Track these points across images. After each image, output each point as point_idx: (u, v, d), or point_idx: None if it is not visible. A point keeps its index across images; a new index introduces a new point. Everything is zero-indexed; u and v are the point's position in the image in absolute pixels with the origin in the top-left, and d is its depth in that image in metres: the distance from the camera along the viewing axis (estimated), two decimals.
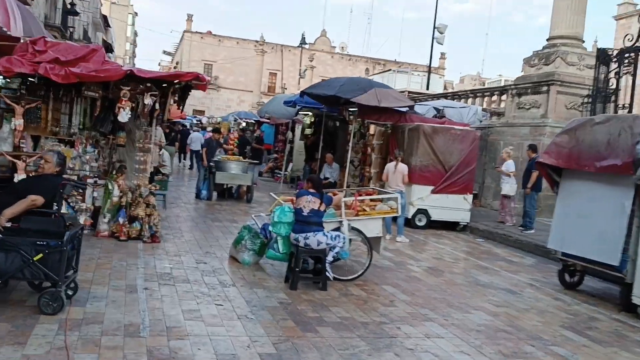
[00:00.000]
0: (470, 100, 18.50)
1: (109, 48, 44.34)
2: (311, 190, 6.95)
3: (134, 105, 8.39)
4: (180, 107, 10.26)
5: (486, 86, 50.43)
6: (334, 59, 69.38)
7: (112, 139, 8.88)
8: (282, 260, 7.12)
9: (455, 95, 19.82)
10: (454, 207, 13.15)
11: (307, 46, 53.58)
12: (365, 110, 13.76)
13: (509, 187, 13.56)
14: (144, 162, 8.61)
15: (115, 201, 8.56)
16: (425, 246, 10.89)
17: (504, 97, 17.44)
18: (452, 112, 15.73)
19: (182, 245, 8.53)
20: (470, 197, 13.39)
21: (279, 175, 21.78)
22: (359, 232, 7.38)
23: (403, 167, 11.34)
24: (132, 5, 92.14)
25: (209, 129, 29.60)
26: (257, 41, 64.68)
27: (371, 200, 7.89)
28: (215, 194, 14.86)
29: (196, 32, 65.71)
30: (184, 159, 25.39)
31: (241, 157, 14.80)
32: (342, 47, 75.73)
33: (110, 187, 8.43)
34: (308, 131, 18.12)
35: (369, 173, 14.28)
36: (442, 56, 68.16)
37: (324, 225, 6.91)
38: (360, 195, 8.19)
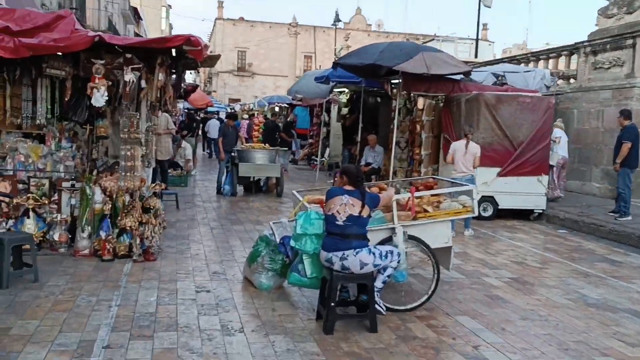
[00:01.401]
0: (532, 64, 15.88)
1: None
2: (347, 188, 4.80)
3: (110, 84, 6.39)
4: (179, 87, 8.24)
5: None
6: (370, 37, 66.49)
7: (89, 130, 6.92)
8: (310, 287, 5.02)
9: (513, 60, 17.19)
10: (526, 191, 10.76)
11: (341, 24, 51.11)
12: (411, 80, 11.48)
13: (551, 155, 11.25)
14: (130, 157, 6.61)
15: (97, 209, 6.64)
16: (497, 244, 8.60)
17: (574, 57, 14.77)
18: (514, 77, 13.24)
19: (184, 263, 6.53)
20: (545, 178, 10.96)
21: (315, 163, 19.68)
22: (420, 242, 5.20)
23: (475, 147, 9.11)
24: None
25: (245, 116, 27.73)
26: (289, 24, 62.79)
27: (432, 195, 5.66)
28: (241, 188, 12.89)
29: (228, 19, 64.27)
30: (207, 148, 23.63)
31: (267, 145, 12.74)
32: (379, 25, 72.81)
33: (88, 191, 6.48)
34: (345, 110, 15.92)
35: (419, 155, 12.01)
36: (485, 27, 64.35)
37: (368, 237, 4.77)
38: (417, 189, 5.98)
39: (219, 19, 63.60)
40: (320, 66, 57.52)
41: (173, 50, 6.82)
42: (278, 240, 5.56)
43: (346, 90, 15.94)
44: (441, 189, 6.08)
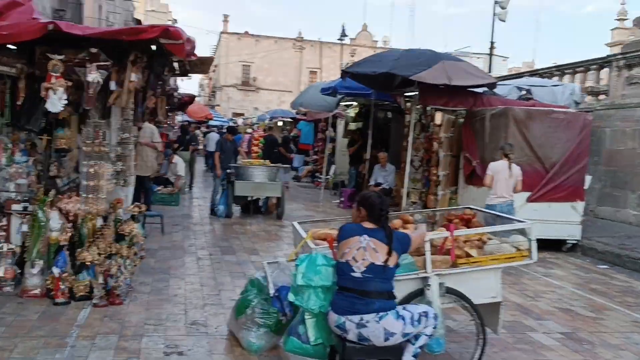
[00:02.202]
0: (556, 78, 14.66)
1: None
2: (368, 225, 3.54)
3: (70, 84, 5.17)
4: (157, 93, 7.05)
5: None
6: (376, 51, 65.81)
7: (47, 141, 5.66)
8: (314, 357, 3.71)
9: (535, 74, 15.97)
10: (560, 219, 9.45)
11: (347, 40, 50.20)
12: (429, 92, 10.27)
13: None
14: (94, 175, 5.36)
15: (52, 238, 5.38)
16: (533, 282, 7.30)
17: (603, 71, 13.55)
18: (541, 92, 12.00)
19: (157, 309, 5.25)
20: (581, 205, 9.68)
21: (319, 180, 18.42)
22: (461, 296, 3.91)
23: (518, 170, 7.95)
24: (170, 11, 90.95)
25: (249, 130, 26.46)
26: (295, 39, 62.19)
27: (474, 233, 4.37)
28: (237, 208, 11.64)
29: (233, 33, 63.59)
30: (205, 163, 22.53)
31: (267, 161, 11.50)
32: (385, 42, 72.16)
33: (41, 216, 5.23)
34: (353, 126, 14.70)
35: (436, 176, 10.75)
36: (492, 45, 63.55)
37: (395, 294, 3.48)
38: (450, 221, 4.71)
39: (224, 33, 62.91)
40: (325, 82, 56.69)
41: (152, 47, 5.61)
42: (272, 289, 4.27)
43: (354, 103, 14.73)
44: (490, 226, 4.75)
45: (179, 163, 12.87)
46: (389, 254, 3.36)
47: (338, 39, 43.81)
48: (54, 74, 5.09)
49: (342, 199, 13.91)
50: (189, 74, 9.37)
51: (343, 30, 43.05)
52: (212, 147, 20.33)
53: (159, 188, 12.18)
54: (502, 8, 23.52)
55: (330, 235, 4.26)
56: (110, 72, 5.30)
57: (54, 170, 5.68)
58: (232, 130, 11.96)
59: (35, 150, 5.83)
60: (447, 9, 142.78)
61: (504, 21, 24.11)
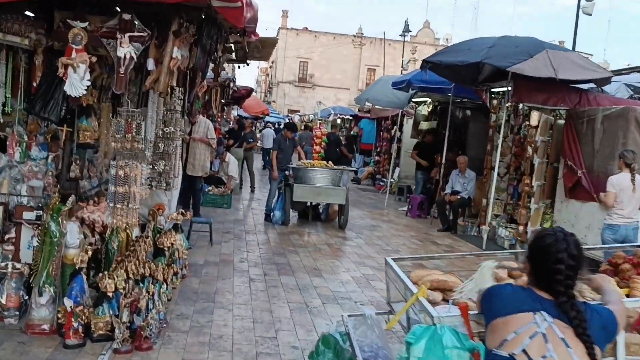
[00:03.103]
0: None
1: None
2: (543, 294, 2.09)
3: (94, 61, 3.95)
4: (210, 80, 5.83)
5: None
6: (437, 50, 63.56)
7: (66, 133, 4.47)
8: None
9: (634, 71, 13.95)
10: None
11: (408, 37, 48.29)
12: (525, 87, 8.68)
13: None
14: (123, 179, 4.13)
15: (69, 257, 4.22)
16: None
17: None
18: None
19: (194, 355, 3.98)
20: None
21: (381, 184, 16.99)
22: None
23: None
24: None
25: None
26: (354, 35, 60.95)
27: None
28: (295, 214, 10.37)
29: (291, 29, 62.88)
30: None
31: (330, 163, 10.15)
32: (447, 39, 69.79)
33: (54, 229, 4.05)
34: (425, 125, 13.18)
35: (528, 187, 9.11)
36: (561, 43, 60.18)
37: None
38: (615, 265, 3.20)
39: (283, 29, 62.20)
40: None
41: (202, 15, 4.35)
42: (359, 356, 2.90)
43: (428, 100, 13.19)
44: None
45: (232, 162, 11.71)
46: (589, 346, 1.92)
47: (400, 35, 42.01)
48: (75, 47, 3.89)
49: (410, 206, 12.43)
50: (247, 61, 8.14)
51: (406, 25, 41.20)
52: (268, 144, 19.25)
53: (209, 188, 11.06)
54: (588, 0, 21.41)
55: (448, 283, 2.87)
56: (147, 45, 4.06)
57: (76, 170, 4.52)
58: (292, 127, 10.66)
59: (57, 144, 4.68)
60: (511, 8, 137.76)
61: (590, 14, 21.95)
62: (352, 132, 20.56)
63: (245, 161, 13.65)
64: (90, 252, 4.21)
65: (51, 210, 4.08)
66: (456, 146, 12.23)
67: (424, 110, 13.22)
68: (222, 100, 16.33)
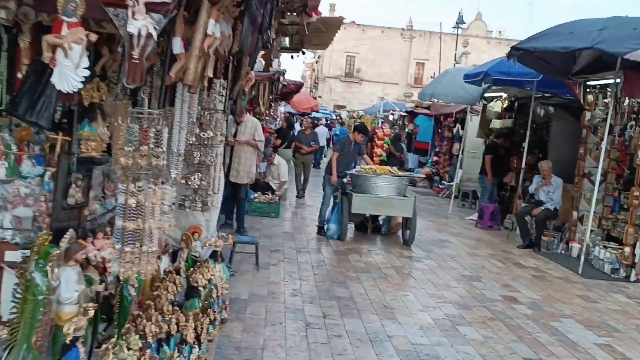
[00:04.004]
0: None
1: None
2: None
3: (92, 40, 2.71)
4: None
5: None
6: (490, 44, 61.00)
7: (62, 142, 3.25)
8: None
9: None
10: None
11: (461, 30, 46.08)
12: (637, 79, 7.13)
13: None
14: (135, 210, 2.89)
15: (64, 317, 3.01)
16: None
17: None
18: None
19: None
20: None
21: (440, 187, 15.46)
22: None
23: None
24: None
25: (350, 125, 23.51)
26: (403, 28, 59.28)
27: None
28: (351, 226, 9.05)
29: None
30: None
31: (395, 169, 8.75)
32: (500, 32, 66.98)
33: (39, 282, 2.84)
34: (497, 123, 11.59)
35: (639, 199, 7.49)
36: None
37: None
38: None
39: None
40: (435, 74, 52.96)
41: None
42: None
43: (503, 95, 11.60)
44: None
45: (282, 164, 10.49)
46: None
47: (454, 27, 40.11)
48: (67, 19, 2.67)
49: (481, 216, 10.91)
50: (304, 49, 6.84)
51: (460, 16, 39.32)
52: (320, 142, 18.03)
53: (255, 195, 9.85)
54: None
55: None
56: (172, 18, 2.79)
57: (76, 194, 3.32)
58: (363, 130, 9.06)
59: (55, 155, 3.48)
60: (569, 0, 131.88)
61: None
62: (407, 130, 19.07)
63: (302, 167, 12.25)
64: (91, 312, 3.00)
65: (36, 254, 2.88)
66: (536, 148, 10.64)
67: (497, 106, 11.64)
68: (271, 97, 15.18)
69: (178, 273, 4.61)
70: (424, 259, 7.79)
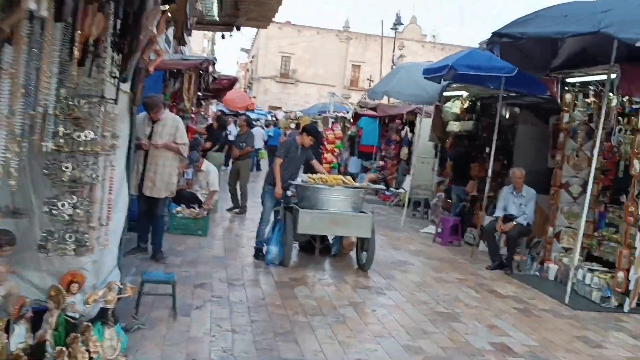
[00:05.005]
0: None
1: (181, 41, 38.59)
2: None
3: None
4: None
5: None
6: (425, 48, 61.30)
7: None
8: None
9: None
10: None
11: (393, 33, 45.45)
12: (636, 75, 6.05)
13: None
14: None
15: None
16: None
17: None
18: None
19: None
20: None
21: (387, 194, 14.17)
22: None
23: None
24: None
25: (292, 126, 21.52)
26: (339, 30, 58.60)
27: None
28: (295, 245, 7.54)
29: (273, 22, 59.95)
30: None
31: (348, 178, 7.27)
32: (434, 36, 67.54)
33: None
34: (455, 126, 10.40)
35: (634, 217, 6.36)
36: None
37: None
38: None
39: None
40: (371, 76, 52.30)
41: None
42: None
43: (464, 94, 10.41)
44: None
45: (212, 171, 8.80)
46: None
47: (392, 28, 39.27)
48: None
49: (439, 230, 9.67)
50: (238, 25, 5.24)
51: (398, 18, 38.60)
52: (256, 145, 16.44)
53: (179, 209, 8.15)
54: None
55: None
56: None
57: None
58: (314, 132, 7.34)
59: None
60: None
61: None
62: (349, 132, 17.73)
63: (237, 174, 10.46)
64: None
65: None
66: (500, 154, 9.50)
67: (456, 107, 10.44)
68: (200, 94, 13.44)
69: (42, 348, 2.98)
70: (386, 289, 6.36)
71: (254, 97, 56.56)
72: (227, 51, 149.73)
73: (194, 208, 8.25)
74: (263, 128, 22.79)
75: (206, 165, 8.79)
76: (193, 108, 8.57)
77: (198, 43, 77.32)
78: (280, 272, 6.60)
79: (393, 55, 40.95)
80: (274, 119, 33.97)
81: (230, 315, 4.99)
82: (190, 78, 8.14)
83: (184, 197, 8.47)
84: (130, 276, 5.73)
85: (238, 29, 5.62)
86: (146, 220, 6.64)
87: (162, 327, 4.49)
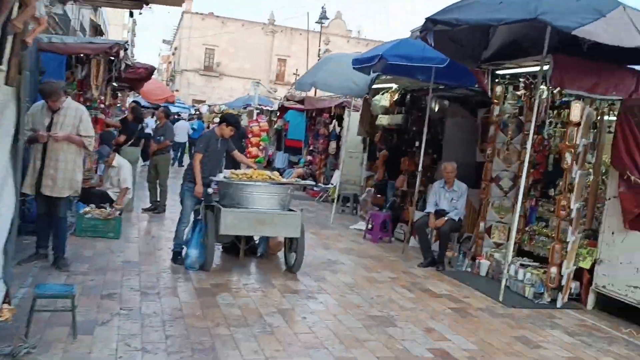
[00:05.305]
0: None
1: (98, 30, 36.36)
2: None
3: None
4: None
5: None
6: (350, 43, 61.64)
7: None
8: None
9: None
10: None
11: (319, 28, 45.25)
12: (569, 67, 5.96)
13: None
14: None
15: None
16: None
17: None
18: None
19: None
20: None
21: (315, 190, 13.79)
22: None
23: None
24: None
25: (217, 120, 20.60)
26: (264, 23, 57.85)
27: None
28: (218, 247, 6.99)
29: (197, 13, 58.38)
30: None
31: (275, 174, 6.75)
32: (359, 32, 68.11)
33: None
34: (385, 120, 10.12)
35: (566, 209, 6.26)
36: None
37: None
38: None
39: (187, 13, 57.45)
40: (297, 70, 51.87)
41: None
42: None
43: (394, 86, 10.13)
44: None
45: (124, 167, 8.03)
46: None
47: (317, 22, 38.97)
48: None
49: (370, 226, 9.36)
50: (149, 1, 4.60)
51: (324, 12, 38.32)
52: (180, 138, 15.68)
53: (87, 209, 7.35)
54: None
55: None
56: None
57: None
58: (233, 121, 6.71)
59: None
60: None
61: None
62: (276, 126, 17.21)
63: (155, 170, 9.65)
64: None
65: None
66: (429, 148, 9.31)
67: (385, 100, 10.15)
68: (115, 84, 12.48)
69: None
70: (316, 292, 5.92)
71: (177, 91, 54.74)
72: (149, 43, 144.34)
73: (105, 208, 7.47)
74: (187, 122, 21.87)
75: (118, 160, 8.00)
76: (102, 97, 7.76)
77: (117, 33, 74.08)
78: (200, 278, 6.01)
79: (319, 50, 40.76)
80: (197, 112, 32.86)
81: (142, 330, 4.37)
82: (99, 64, 7.34)
83: (94, 195, 7.67)
84: (25, 287, 5.00)
85: (147, 3, 4.97)
86: (46, 223, 5.85)
87: (57, 350, 3.82)
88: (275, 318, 4.96)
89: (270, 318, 4.95)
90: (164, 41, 78.61)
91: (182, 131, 17.85)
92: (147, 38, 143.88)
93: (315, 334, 4.68)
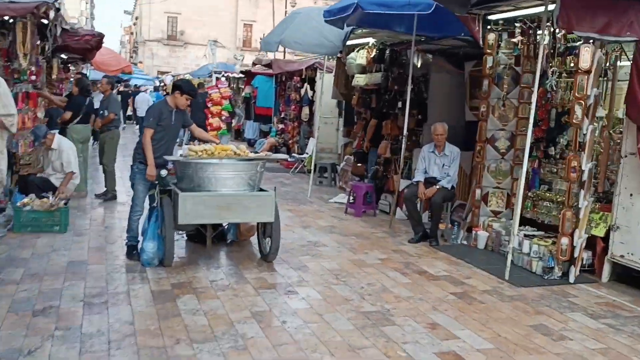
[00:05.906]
0: None
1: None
2: None
3: None
4: None
5: None
6: (317, 4, 59.83)
7: None
8: None
9: None
10: None
11: None
12: (577, 6, 5.07)
13: None
14: None
15: None
16: None
17: None
18: None
19: None
20: None
21: (289, 160, 12.83)
22: None
23: None
24: None
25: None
26: None
27: None
28: (182, 235, 6.07)
29: None
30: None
31: (242, 148, 5.76)
32: None
33: None
34: (362, 80, 9.14)
35: (577, 171, 5.46)
36: None
37: None
38: None
39: None
40: (264, 35, 50.19)
41: None
42: None
43: (371, 41, 9.11)
44: None
45: (66, 149, 6.97)
46: None
47: None
48: None
49: (351, 198, 8.50)
50: None
51: None
52: (142, 112, 14.48)
53: (25, 200, 6.32)
54: None
55: None
56: None
57: None
58: (188, 88, 5.61)
59: None
60: None
61: None
62: (243, 94, 16.09)
63: (102, 149, 8.57)
64: None
65: None
66: (414, 109, 8.41)
67: (361, 57, 9.15)
68: (64, 56, 11.26)
69: None
70: (297, 285, 5.06)
71: (140, 62, 52.65)
72: (110, 14, 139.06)
73: (47, 198, 6.44)
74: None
75: (58, 141, 6.92)
76: (33, 68, 6.63)
77: (74, 5, 70.76)
78: (160, 277, 5.09)
79: (286, 12, 39.15)
80: (162, 84, 31.40)
81: (84, 345, 3.47)
82: (26, 29, 6.19)
83: (33, 184, 6.63)
84: None
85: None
86: None
87: None
88: (248, 326, 4.08)
89: (243, 326, 4.07)
90: (125, 12, 75.55)
91: (143, 105, 16.60)
92: (108, 10, 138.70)
93: (299, 344, 3.82)
